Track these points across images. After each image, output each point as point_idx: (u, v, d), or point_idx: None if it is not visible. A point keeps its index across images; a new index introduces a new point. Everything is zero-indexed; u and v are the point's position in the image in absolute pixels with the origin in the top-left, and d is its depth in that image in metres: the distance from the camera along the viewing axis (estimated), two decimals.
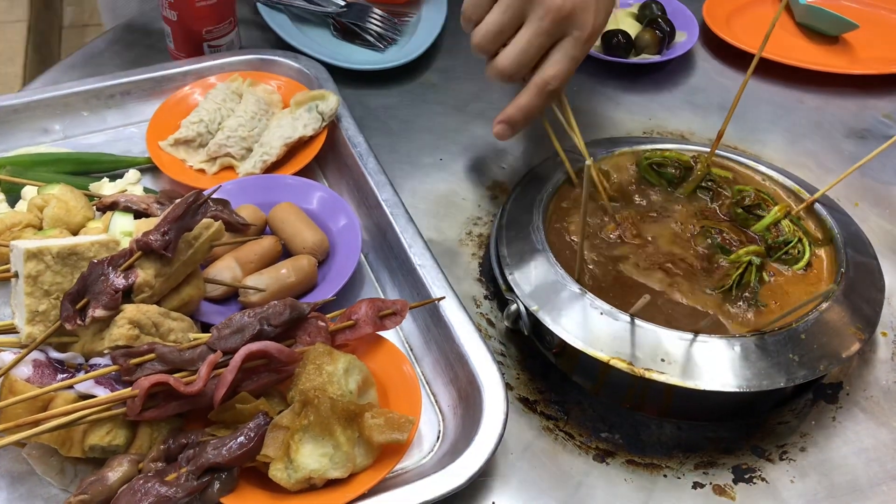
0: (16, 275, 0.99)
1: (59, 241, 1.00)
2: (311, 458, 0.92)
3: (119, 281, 0.97)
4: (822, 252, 1.19)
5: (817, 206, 1.24)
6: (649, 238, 1.20)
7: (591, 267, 1.16)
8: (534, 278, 1.13)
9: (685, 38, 1.73)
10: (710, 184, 1.28)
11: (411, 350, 1.16)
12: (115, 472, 0.91)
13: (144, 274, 0.99)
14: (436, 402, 1.09)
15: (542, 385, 1.13)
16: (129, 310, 0.97)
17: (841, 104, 1.65)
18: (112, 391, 0.94)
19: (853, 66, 1.72)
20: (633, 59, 1.67)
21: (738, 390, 1.01)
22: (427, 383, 1.12)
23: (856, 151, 1.52)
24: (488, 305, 1.23)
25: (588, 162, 0.96)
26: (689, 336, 1.03)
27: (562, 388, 1.13)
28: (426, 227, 1.32)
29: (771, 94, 1.67)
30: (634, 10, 1.78)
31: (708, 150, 1.31)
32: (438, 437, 1.05)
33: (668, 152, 1.31)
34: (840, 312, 1.09)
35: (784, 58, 1.70)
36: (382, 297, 1.22)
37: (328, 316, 1.06)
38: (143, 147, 1.39)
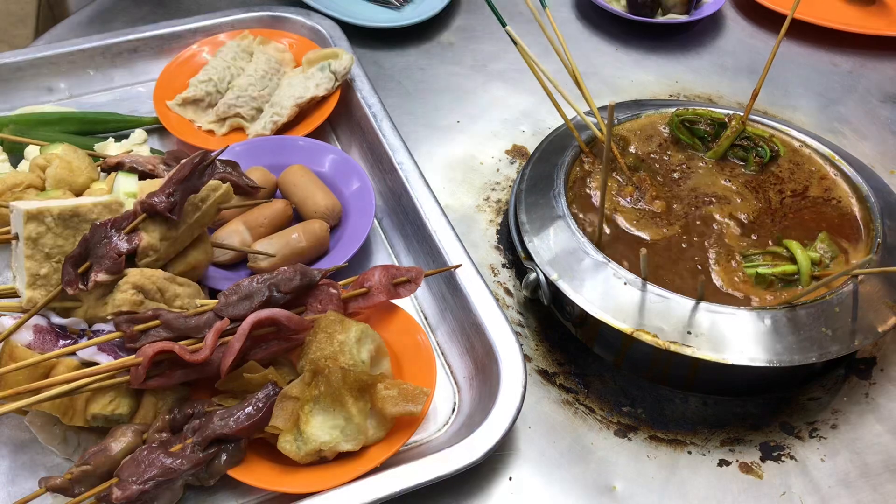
0: (16, 237, 0.96)
1: (60, 202, 0.96)
2: (322, 429, 0.89)
3: (122, 244, 0.94)
4: (858, 221, 1.13)
5: (853, 173, 1.18)
6: (675, 207, 1.15)
7: (609, 232, 1.11)
8: (554, 246, 1.08)
9: None
10: (745, 142, 1.22)
11: (426, 319, 1.12)
12: (119, 443, 0.88)
13: (149, 237, 0.95)
14: (451, 373, 1.06)
15: (562, 357, 1.09)
16: (133, 274, 0.93)
17: (877, 67, 1.58)
18: (115, 358, 0.90)
19: (891, 27, 1.64)
20: (660, 19, 1.60)
21: (767, 365, 0.96)
22: (442, 353, 1.08)
23: (893, 117, 1.46)
24: (506, 274, 1.19)
25: (611, 103, 0.90)
26: (718, 308, 0.99)
27: (582, 360, 1.09)
28: (442, 192, 1.27)
29: (803, 57, 1.60)
30: None
31: (737, 112, 1.25)
32: (454, 410, 1.02)
33: (701, 110, 1.25)
34: (876, 285, 1.04)
35: (817, 18, 1.62)
36: (396, 263, 1.18)
37: (340, 283, 1.02)
38: (151, 107, 1.34)
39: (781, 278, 1.04)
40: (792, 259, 1.05)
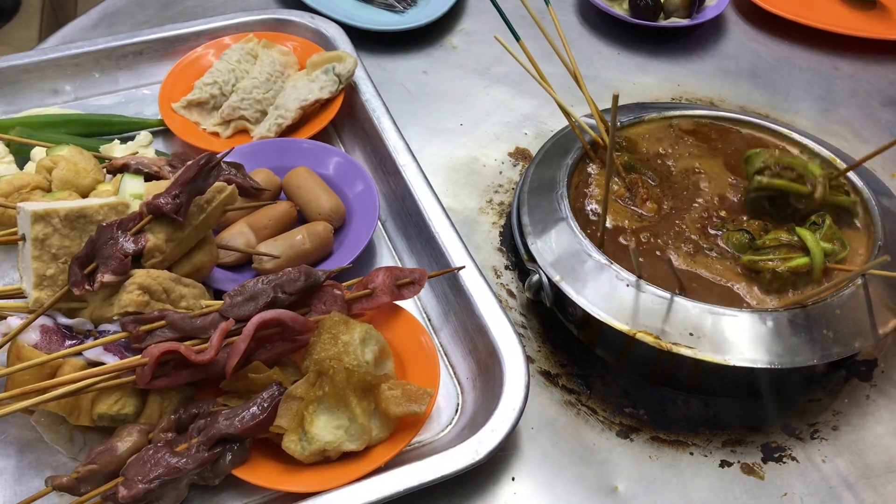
0: (23, 238, 0.97)
1: (67, 203, 0.97)
2: (326, 429, 0.89)
3: (129, 245, 0.94)
4: (859, 224, 1.14)
5: (853, 177, 1.18)
6: (665, 207, 1.15)
7: (617, 234, 1.12)
8: (556, 247, 1.09)
9: (716, 2, 1.66)
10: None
11: (429, 320, 1.12)
12: (125, 442, 0.89)
13: (155, 238, 0.96)
14: (454, 373, 1.06)
15: (564, 358, 1.10)
16: (139, 275, 0.93)
17: (878, 71, 1.59)
18: (121, 358, 0.91)
19: (890, 30, 1.65)
20: (662, 23, 1.61)
21: (769, 367, 0.97)
22: (445, 355, 1.08)
23: (893, 120, 1.47)
24: (509, 276, 1.19)
25: (615, 93, 0.91)
26: (719, 309, 0.99)
27: (584, 361, 1.09)
28: (445, 195, 1.28)
29: (804, 61, 1.61)
30: None
31: (738, 116, 1.26)
32: (457, 410, 1.02)
33: (788, 183, 1.11)
34: (877, 287, 1.04)
35: (818, 22, 1.63)
36: (400, 265, 1.19)
37: (344, 284, 1.03)
38: (156, 109, 1.35)
39: (790, 274, 1.05)
40: (803, 249, 1.06)
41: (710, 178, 1.20)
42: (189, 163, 0.99)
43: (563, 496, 0.95)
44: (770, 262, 1.05)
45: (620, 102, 1.37)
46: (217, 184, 1.02)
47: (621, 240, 1.11)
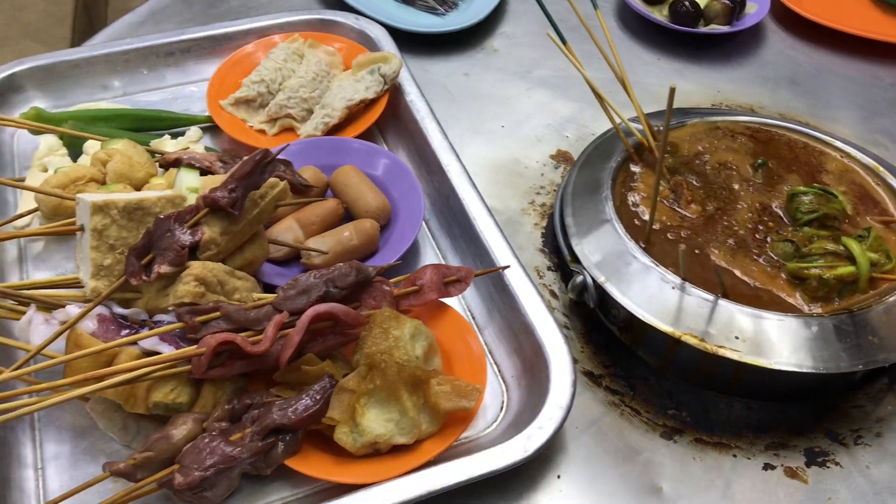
0: (81, 228, 0.99)
1: (125, 195, 0.99)
2: (377, 422, 0.91)
3: (185, 237, 0.96)
4: None
5: (889, 176, 1.19)
6: (709, 209, 1.16)
7: (661, 235, 1.12)
8: (601, 249, 1.10)
9: (756, 10, 1.66)
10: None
11: (473, 318, 1.13)
12: (180, 430, 0.90)
13: (210, 231, 0.97)
14: (499, 371, 1.07)
15: (607, 359, 1.11)
16: (196, 267, 0.95)
17: None
18: (176, 348, 0.93)
19: None
20: (702, 29, 1.62)
21: (813, 371, 0.97)
22: (490, 353, 1.09)
23: None
24: (551, 277, 1.20)
25: (672, 85, 0.92)
26: (764, 313, 1.00)
27: (627, 362, 1.10)
28: (487, 195, 1.28)
29: (844, 69, 1.61)
30: None
31: (781, 123, 1.26)
32: (502, 408, 1.03)
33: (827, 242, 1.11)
34: None
35: (858, 30, 1.63)
36: (444, 263, 1.20)
37: (391, 281, 1.04)
38: (203, 106, 1.37)
39: (836, 282, 1.05)
40: (850, 258, 1.06)
41: (753, 185, 1.20)
42: (245, 158, 1.01)
43: (608, 494, 0.96)
44: (816, 270, 1.05)
45: (659, 108, 1.39)
46: (270, 179, 1.03)
47: (666, 234, 1.12)
